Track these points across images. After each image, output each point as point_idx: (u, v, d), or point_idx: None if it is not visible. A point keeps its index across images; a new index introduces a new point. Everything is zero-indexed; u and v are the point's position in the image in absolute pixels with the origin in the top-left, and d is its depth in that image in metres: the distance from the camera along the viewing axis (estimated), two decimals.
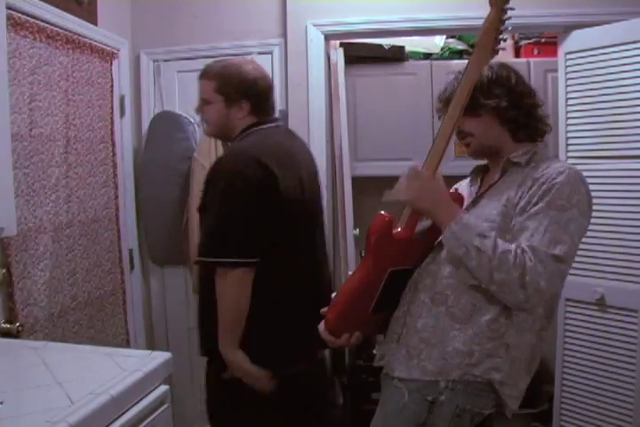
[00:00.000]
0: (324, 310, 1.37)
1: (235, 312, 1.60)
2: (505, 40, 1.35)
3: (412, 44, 2.89)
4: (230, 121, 1.73)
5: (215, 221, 1.60)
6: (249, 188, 1.57)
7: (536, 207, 1.21)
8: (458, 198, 1.38)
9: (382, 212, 1.32)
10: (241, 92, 1.71)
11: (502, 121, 1.34)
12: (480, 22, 2.47)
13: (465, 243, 1.21)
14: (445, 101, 1.36)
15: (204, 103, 1.76)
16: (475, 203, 1.38)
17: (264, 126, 1.74)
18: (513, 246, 1.18)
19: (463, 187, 1.52)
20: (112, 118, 2.42)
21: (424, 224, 1.35)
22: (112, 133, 2.42)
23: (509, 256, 1.17)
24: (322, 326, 1.37)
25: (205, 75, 1.77)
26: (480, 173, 1.47)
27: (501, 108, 1.32)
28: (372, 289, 1.34)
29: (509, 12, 1.36)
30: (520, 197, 1.26)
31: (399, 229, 1.33)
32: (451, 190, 1.45)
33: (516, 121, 1.34)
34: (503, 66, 1.38)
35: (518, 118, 1.34)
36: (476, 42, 1.30)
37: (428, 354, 1.28)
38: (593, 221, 2.19)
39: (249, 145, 1.69)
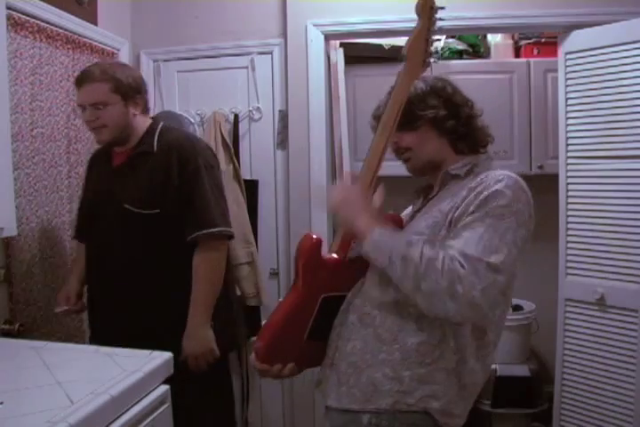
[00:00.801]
0: (253, 338, 1.30)
1: (219, 286, 1.75)
2: (434, 54, 1.31)
3: None
4: (130, 120, 1.75)
5: (212, 195, 1.75)
6: (219, 167, 1.91)
7: (471, 216, 1.11)
8: (396, 220, 1.31)
9: (309, 233, 1.28)
10: (136, 89, 1.75)
11: (441, 132, 1.27)
12: (480, 22, 2.48)
13: (388, 252, 1.11)
14: (379, 119, 1.26)
15: (97, 107, 1.68)
16: (411, 219, 1.30)
17: (165, 124, 1.86)
18: (441, 253, 1.06)
19: (408, 210, 1.43)
20: None
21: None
22: None
23: (437, 263, 1.05)
24: (253, 355, 1.28)
25: (91, 79, 1.68)
26: (422, 193, 1.37)
27: (439, 119, 1.25)
28: (304, 316, 1.25)
29: (440, 23, 1.32)
30: (453, 207, 1.16)
31: (333, 255, 1.26)
32: (402, 214, 1.40)
33: (455, 132, 1.27)
34: (438, 78, 1.32)
35: (457, 129, 1.27)
36: (405, 55, 1.23)
37: (356, 380, 1.19)
38: (592, 220, 2.22)
39: (190, 134, 2.00)
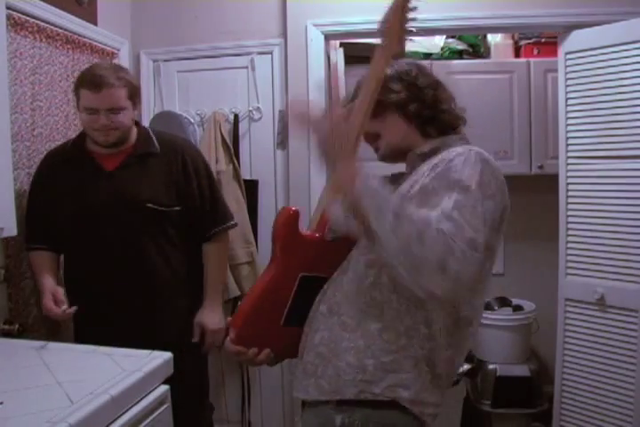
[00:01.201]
0: (229, 318, 1.25)
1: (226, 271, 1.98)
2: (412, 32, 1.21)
3: (412, 44, 2.88)
4: (132, 124, 1.83)
5: (220, 191, 2.01)
6: None
7: (436, 188, 1.05)
8: None
9: (288, 206, 1.21)
10: (139, 94, 1.82)
11: (406, 116, 1.22)
12: (480, 22, 2.48)
13: (380, 202, 0.99)
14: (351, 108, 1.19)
15: (113, 112, 1.70)
16: None
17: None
18: (434, 220, 0.96)
19: None
20: None
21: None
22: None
23: (431, 229, 0.94)
24: (227, 339, 1.22)
25: (109, 84, 1.68)
26: (394, 181, 1.27)
27: (402, 103, 1.21)
28: (281, 296, 1.18)
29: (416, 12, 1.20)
30: (415, 182, 1.11)
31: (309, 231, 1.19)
32: None
33: (420, 115, 1.22)
34: (407, 62, 1.29)
35: (422, 112, 1.22)
36: (381, 30, 1.20)
37: (323, 371, 1.14)
38: (592, 220, 2.23)
39: (180, 136, 2.15)
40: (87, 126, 1.76)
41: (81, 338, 1.82)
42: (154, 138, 1.84)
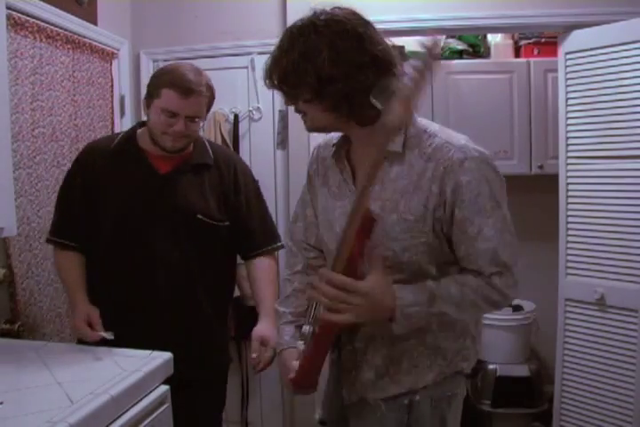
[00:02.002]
0: (291, 375, 1.26)
1: None
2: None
3: (411, 44, 2.88)
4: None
5: (268, 212, 1.90)
6: None
7: (469, 208, 1.12)
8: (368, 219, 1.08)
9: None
10: (213, 102, 1.74)
11: (325, 109, 1.15)
12: (480, 22, 2.47)
13: (419, 321, 1.15)
14: (271, 73, 1.15)
15: (192, 120, 1.64)
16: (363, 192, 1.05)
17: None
18: (473, 283, 1.14)
19: (324, 161, 1.33)
20: (112, 118, 2.42)
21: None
22: (112, 133, 2.42)
23: (469, 297, 1.14)
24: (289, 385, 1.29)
25: (199, 92, 1.60)
26: (342, 152, 1.27)
27: (311, 97, 1.14)
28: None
29: None
30: (430, 201, 1.13)
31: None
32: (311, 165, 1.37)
33: (338, 109, 1.14)
34: (320, 30, 1.21)
35: (339, 106, 1.13)
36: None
37: (396, 368, 1.24)
38: (592, 220, 2.23)
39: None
40: (158, 128, 1.63)
41: None
42: (209, 149, 1.77)
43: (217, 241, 1.73)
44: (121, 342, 1.51)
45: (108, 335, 1.52)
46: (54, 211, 1.78)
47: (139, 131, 1.74)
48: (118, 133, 1.84)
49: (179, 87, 1.57)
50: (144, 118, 1.79)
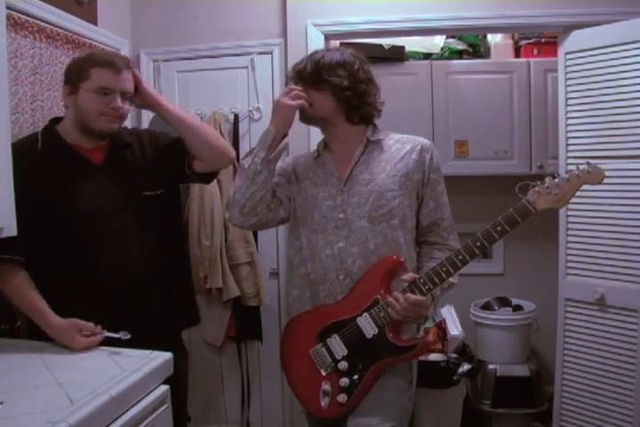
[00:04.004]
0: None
1: None
2: None
3: (412, 44, 2.89)
4: None
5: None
6: None
7: (433, 183, 1.60)
8: (394, 263, 1.53)
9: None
10: None
11: (337, 99, 1.55)
12: (480, 22, 2.47)
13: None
14: (297, 74, 1.59)
15: (124, 97, 1.62)
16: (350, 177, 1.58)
17: None
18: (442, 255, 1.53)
19: (306, 164, 1.67)
20: None
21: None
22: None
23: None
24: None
25: (129, 67, 1.63)
26: (326, 150, 1.66)
27: (339, 87, 1.53)
28: None
29: None
30: (410, 169, 1.57)
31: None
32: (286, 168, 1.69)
33: (348, 102, 1.55)
34: (353, 53, 1.60)
35: (351, 100, 1.55)
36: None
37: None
38: (592, 220, 2.22)
39: None
40: (94, 110, 1.58)
41: None
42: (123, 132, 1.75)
43: (159, 211, 1.72)
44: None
45: (123, 335, 1.47)
46: None
47: (57, 127, 1.68)
48: (32, 135, 1.72)
49: (107, 64, 1.58)
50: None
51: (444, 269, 1.44)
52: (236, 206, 1.60)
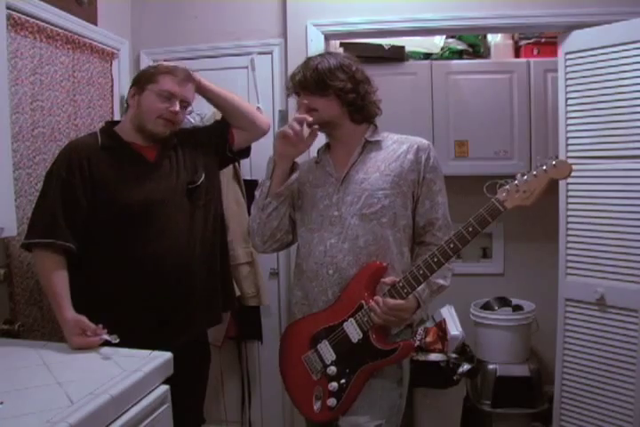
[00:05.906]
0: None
1: None
2: None
3: (412, 44, 2.89)
4: None
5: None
6: None
7: (430, 183, 1.60)
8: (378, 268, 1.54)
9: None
10: None
11: (342, 102, 1.57)
12: (480, 22, 2.47)
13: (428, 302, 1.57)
14: (298, 84, 1.59)
15: (183, 106, 1.79)
16: (346, 177, 1.60)
17: None
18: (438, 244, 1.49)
19: (308, 169, 1.70)
20: (112, 118, 2.42)
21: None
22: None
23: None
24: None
25: (192, 81, 1.83)
26: (326, 152, 1.70)
27: (344, 91, 1.55)
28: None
29: None
30: (405, 168, 1.58)
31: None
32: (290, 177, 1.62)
33: (353, 104, 1.58)
34: (346, 55, 1.64)
35: (356, 101, 1.58)
36: None
37: None
38: (592, 220, 2.23)
39: None
40: (153, 112, 1.72)
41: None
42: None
43: (207, 210, 1.86)
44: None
45: (113, 339, 1.48)
46: (38, 212, 1.66)
47: (115, 128, 1.82)
48: (91, 133, 1.85)
49: (176, 74, 1.75)
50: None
51: (421, 272, 1.44)
52: (257, 236, 1.66)
